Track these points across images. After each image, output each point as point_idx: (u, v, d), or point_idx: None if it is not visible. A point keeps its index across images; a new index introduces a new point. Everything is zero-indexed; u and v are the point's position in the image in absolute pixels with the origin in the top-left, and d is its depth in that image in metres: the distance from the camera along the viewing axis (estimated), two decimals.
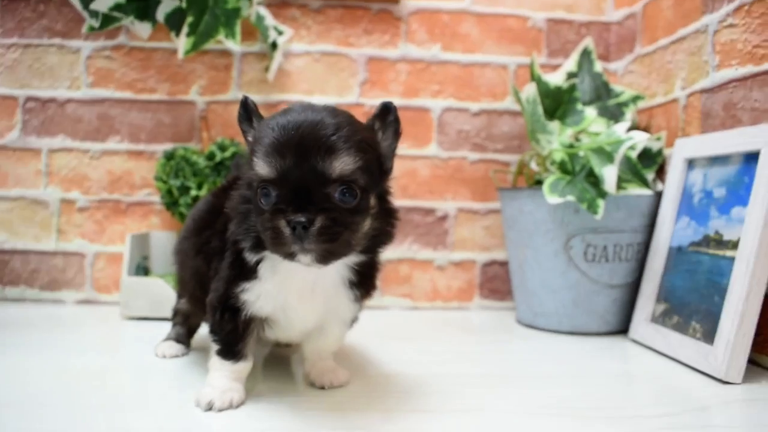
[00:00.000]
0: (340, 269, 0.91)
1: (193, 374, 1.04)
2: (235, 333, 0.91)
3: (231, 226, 0.90)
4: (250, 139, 0.88)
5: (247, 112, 0.89)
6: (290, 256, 0.80)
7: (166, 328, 1.24)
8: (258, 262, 0.88)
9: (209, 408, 0.86)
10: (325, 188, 0.79)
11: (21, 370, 1.05)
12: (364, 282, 0.94)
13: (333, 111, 0.84)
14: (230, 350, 0.91)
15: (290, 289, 0.89)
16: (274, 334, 0.96)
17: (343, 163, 0.79)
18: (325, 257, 0.80)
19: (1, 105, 1.63)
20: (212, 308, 0.93)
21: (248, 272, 0.88)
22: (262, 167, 0.80)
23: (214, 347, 0.92)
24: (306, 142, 0.78)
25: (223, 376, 0.91)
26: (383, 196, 0.89)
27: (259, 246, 0.86)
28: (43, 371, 1.05)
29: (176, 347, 1.16)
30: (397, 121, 0.90)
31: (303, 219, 0.77)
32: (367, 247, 0.88)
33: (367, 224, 0.84)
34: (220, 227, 0.95)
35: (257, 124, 0.88)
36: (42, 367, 1.07)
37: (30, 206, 1.64)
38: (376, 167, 0.85)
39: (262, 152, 0.80)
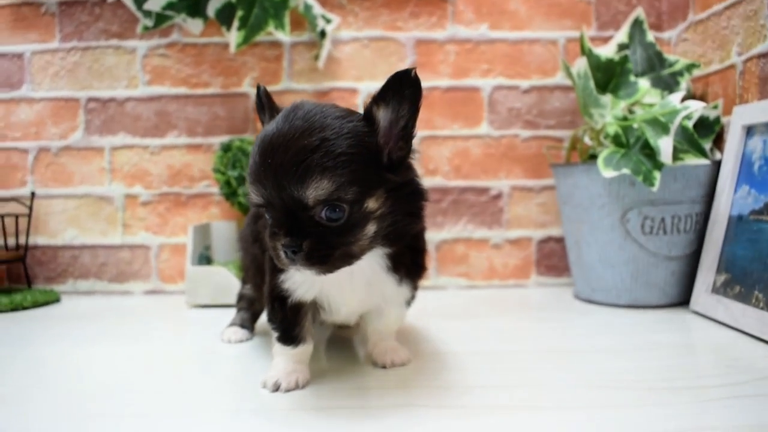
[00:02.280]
0: (375, 258, 0.90)
1: (259, 358, 1.08)
2: (287, 320, 0.93)
3: None
4: None
5: (262, 101, 0.90)
6: (285, 268, 0.84)
7: (230, 314, 1.28)
8: None
9: (276, 389, 0.89)
10: (308, 212, 0.79)
11: (93, 358, 1.10)
12: (404, 267, 0.94)
13: (309, 126, 0.79)
14: (288, 336, 0.93)
15: (324, 279, 0.88)
16: (325, 317, 0.98)
17: (316, 189, 0.77)
18: (324, 271, 0.81)
19: (64, 107, 1.70)
20: (266, 298, 0.96)
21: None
22: (251, 194, 0.83)
23: (274, 334, 0.95)
24: (278, 172, 0.77)
25: (287, 360, 0.94)
26: (395, 186, 0.84)
27: None
28: (115, 359, 1.10)
29: (241, 332, 1.20)
30: (415, 93, 0.81)
31: (291, 244, 0.79)
32: (392, 240, 0.87)
33: (369, 230, 0.82)
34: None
35: (268, 117, 0.89)
36: (113, 355, 1.12)
37: (96, 203, 1.71)
38: (371, 167, 0.81)
39: (248, 178, 0.82)
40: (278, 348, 0.94)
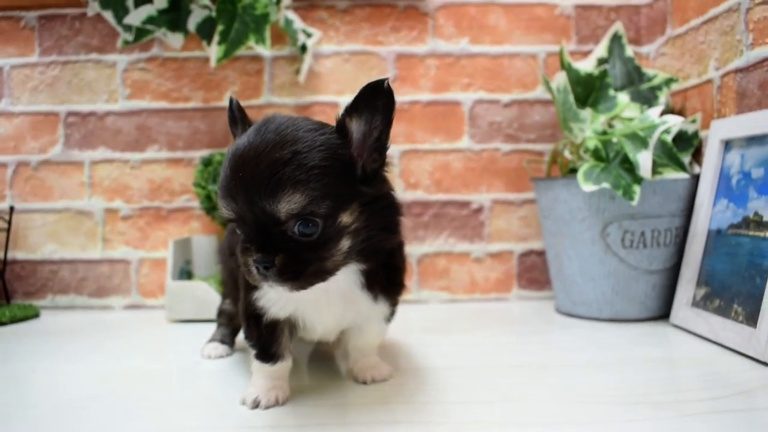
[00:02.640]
0: (349, 274, 0.88)
1: (239, 374, 1.07)
2: (263, 337, 0.92)
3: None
4: None
5: (234, 114, 0.89)
6: (258, 284, 0.83)
7: (211, 329, 1.27)
8: None
9: (255, 406, 0.89)
10: (281, 227, 0.78)
11: (73, 374, 1.09)
12: (379, 284, 0.92)
13: (281, 139, 0.78)
14: (265, 353, 0.92)
15: (299, 298, 0.87)
16: (302, 334, 0.97)
17: (288, 203, 0.76)
18: (297, 288, 0.80)
19: (43, 121, 1.69)
20: (241, 315, 0.95)
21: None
22: (221, 208, 0.81)
23: (252, 351, 0.94)
24: (250, 186, 0.77)
25: (266, 377, 0.93)
26: (370, 200, 0.83)
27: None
28: (94, 374, 1.09)
29: (221, 348, 1.19)
30: (388, 104, 0.80)
31: (263, 260, 0.77)
32: (368, 256, 0.86)
33: (343, 246, 0.81)
34: None
35: (240, 131, 0.87)
36: (93, 371, 1.11)
37: (75, 217, 1.70)
38: (345, 180, 0.80)
39: (219, 192, 0.81)
40: (257, 365, 0.93)
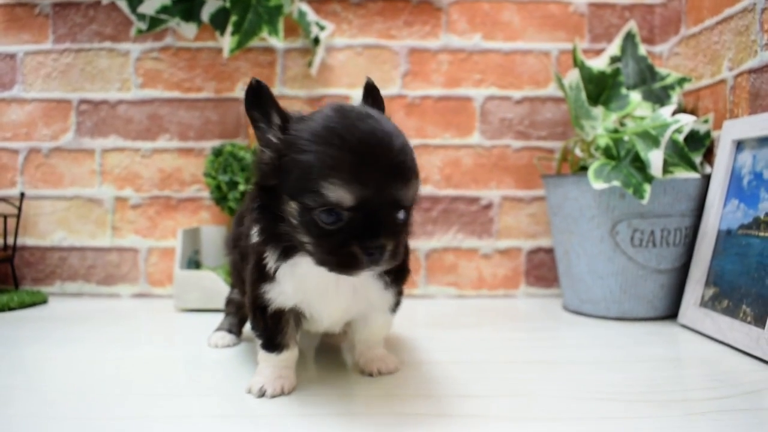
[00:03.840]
0: None
1: (245, 363, 1.07)
2: (269, 328, 0.91)
3: (254, 232, 0.88)
4: (272, 137, 0.81)
5: (261, 98, 0.81)
6: (351, 273, 0.80)
7: (218, 319, 1.28)
8: (277, 269, 0.86)
9: (261, 395, 0.89)
10: (396, 212, 0.79)
11: (80, 360, 1.10)
12: (392, 270, 0.90)
13: (394, 128, 0.80)
14: (271, 343, 0.92)
15: (309, 289, 0.87)
16: (307, 325, 0.97)
17: (414, 190, 0.79)
18: (374, 271, 0.82)
19: (56, 108, 1.70)
20: (248, 307, 0.95)
21: (267, 276, 0.87)
22: (339, 194, 0.75)
23: (258, 341, 0.94)
24: (388, 172, 0.76)
25: (272, 366, 0.93)
26: None
27: (284, 255, 0.85)
28: (101, 361, 1.09)
29: (228, 337, 1.19)
30: (381, 101, 0.89)
31: (380, 245, 0.76)
32: None
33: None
34: (246, 227, 0.95)
35: (295, 125, 0.80)
36: (100, 358, 1.11)
37: (86, 204, 1.70)
38: None
39: (338, 178, 0.75)
40: (263, 355, 0.94)
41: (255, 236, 0.87)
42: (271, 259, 0.86)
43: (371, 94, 0.92)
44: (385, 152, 0.76)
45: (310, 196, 0.76)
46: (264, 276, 0.87)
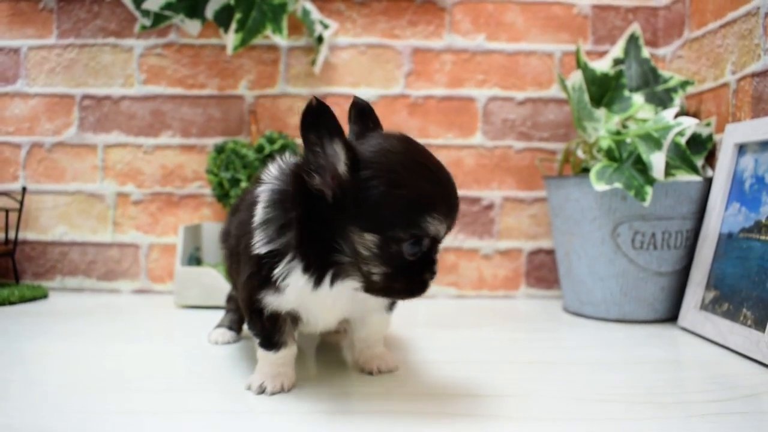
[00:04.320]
0: None
1: (245, 360, 1.07)
2: (266, 329, 0.91)
3: (259, 241, 0.84)
4: (340, 170, 0.77)
5: (323, 121, 0.76)
6: (412, 298, 0.84)
7: (218, 315, 1.28)
8: (284, 280, 0.84)
9: (261, 392, 0.89)
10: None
11: (80, 355, 1.10)
12: None
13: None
14: (269, 342, 0.92)
15: (309, 298, 0.86)
16: (302, 327, 0.96)
17: None
18: None
19: (59, 103, 1.70)
20: (243, 309, 0.95)
21: (270, 285, 0.85)
22: (437, 227, 0.79)
23: (255, 340, 0.94)
24: (455, 207, 0.83)
25: (271, 364, 0.93)
26: None
27: (318, 279, 0.82)
28: (101, 357, 1.09)
29: (228, 334, 1.19)
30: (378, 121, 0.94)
31: (436, 271, 0.83)
32: None
33: None
34: (237, 227, 0.94)
35: (369, 158, 0.78)
36: (99, 352, 1.12)
37: (87, 200, 1.71)
38: None
39: (440, 212, 0.78)
40: (261, 353, 0.93)
41: (260, 246, 0.83)
42: (282, 273, 0.83)
43: (368, 115, 0.91)
44: (453, 186, 0.83)
45: (403, 229, 0.77)
46: (266, 284, 0.85)
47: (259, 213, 0.84)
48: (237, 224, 0.94)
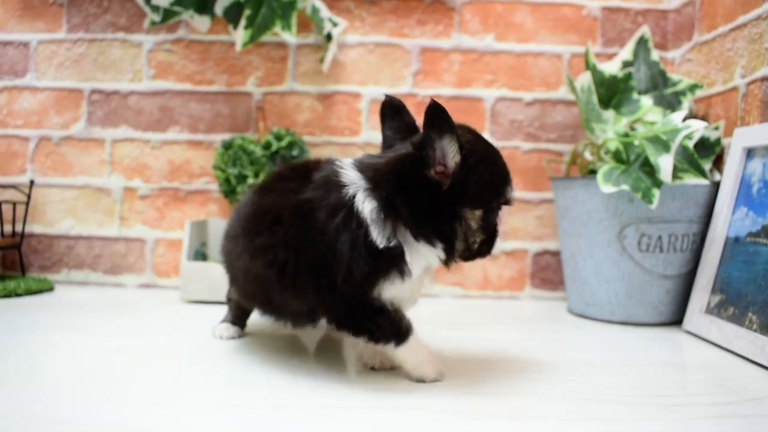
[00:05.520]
0: None
1: (249, 354, 1.08)
2: (394, 322, 0.92)
3: (382, 234, 0.87)
4: (451, 160, 0.87)
5: (439, 120, 0.84)
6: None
7: (224, 311, 1.28)
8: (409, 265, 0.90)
9: (441, 377, 0.96)
10: None
11: (84, 347, 1.10)
12: None
13: None
14: (402, 333, 0.93)
15: (409, 285, 0.92)
16: None
17: None
18: None
19: (67, 97, 1.70)
20: (350, 317, 0.92)
21: (395, 274, 0.89)
22: (510, 194, 0.94)
23: (392, 345, 0.92)
24: None
25: (419, 349, 0.95)
26: None
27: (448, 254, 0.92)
28: (105, 349, 1.10)
29: (233, 329, 1.20)
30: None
31: None
32: None
33: None
34: (281, 236, 0.93)
35: (468, 148, 0.88)
36: (104, 346, 1.12)
37: (94, 194, 1.71)
38: None
39: (508, 184, 0.94)
40: (407, 348, 0.93)
41: (382, 240, 0.87)
42: (409, 260, 0.89)
43: (403, 111, 0.98)
44: None
45: (496, 200, 0.93)
46: (389, 275, 0.89)
47: (367, 211, 0.87)
48: (314, 232, 0.90)
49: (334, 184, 0.91)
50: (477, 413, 0.83)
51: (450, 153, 0.86)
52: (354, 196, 0.88)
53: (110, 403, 0.83)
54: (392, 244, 0.88)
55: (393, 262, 0.88)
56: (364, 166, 0.92)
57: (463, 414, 0.82)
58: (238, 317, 1.23)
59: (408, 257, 0.89)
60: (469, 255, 0.95)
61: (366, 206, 0.87)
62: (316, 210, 0.90)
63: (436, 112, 0.84)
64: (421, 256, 0.90)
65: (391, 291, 0.90)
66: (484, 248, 0.96)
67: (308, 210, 0.90)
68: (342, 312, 0.92)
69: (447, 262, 0.93)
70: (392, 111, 0.98)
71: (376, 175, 0.90)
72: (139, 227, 1.71)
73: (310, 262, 0.90)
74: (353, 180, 0.90)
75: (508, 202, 0.95)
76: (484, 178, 0.90)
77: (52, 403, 0.82)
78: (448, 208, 0.89)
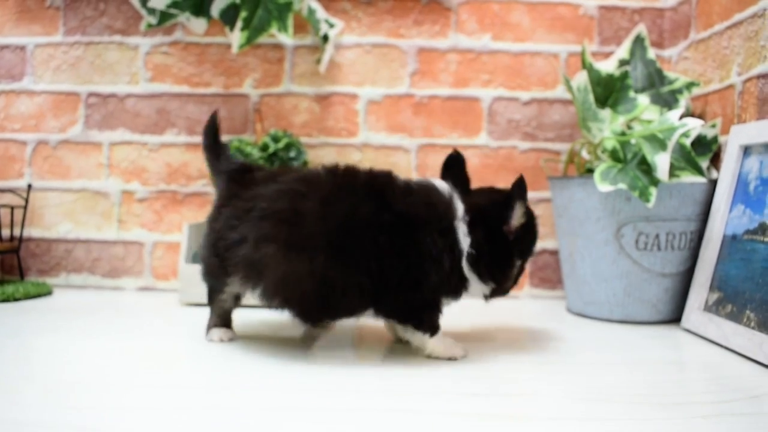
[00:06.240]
0: None
1: (245, 356, 1.08)
2: (435, 319, 1.11)
3: (465, 259, 1.08)
4: (516, 221, 1.10)
5: (521, 192, 1.09)
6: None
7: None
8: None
9: (465, 353, 1.12)
10: None
11: (82, 351, 1.10)
12: None
13: None
14: (435, 328, 1.10)
15: None
16: None
17: None
18: None
19: (64, 101, 1.70)
20: (424, 311, 1.10)
21: (461, 295, 1.14)
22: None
23: (428, 335, 1.09)
24: None
25: (445, 337, 1.12)
26: None
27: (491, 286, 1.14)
28: (103, 352, 1.10)
29: (228, 332, 1.19)
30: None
31: None
32: None
33: None
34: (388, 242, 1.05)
35: (529, 215, 1.14)
36: (102, 349, 1.12)
37: (92, 197, 1.71)
38: None
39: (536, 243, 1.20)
40: (435, 340, 1.10)
41: (468, 271, 1.09)
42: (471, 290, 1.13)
43: (463, 164, 1.20)
44: None
45: (531, 254, 1.18)
46: (456, 296, 1.14)
47: (465, 245, 1.08)
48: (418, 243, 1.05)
49: (443, 204, 1.09)
50: (473, 414, 0.83)
51: (518, 215, 1.09)
52: (458, 221, 1.08)
53: (108, 408, 0.82)
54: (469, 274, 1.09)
55: (464, 287, 1.11)
56: (467, 201, 1.11)
57: (460, 415, 0.82)
58: (226, 319, 1.22)
59: (470, 287, 1.12)
60: (499, 294, 1.17)
61: (465, 240, 1.07)
62: (426, 226, 1.06)
63: (523, 185, 1.08)
64: (477, 289, 1.13)
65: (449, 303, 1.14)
66: (510, 289, 1.19)
67: (422, 224, 1.06)
68: (405, 306, 1.08)
69: (488, 298, 1.16)
70: (454, 163, 1.19)
71: (476, 216, 1.09)
72: (137, 230, 1.71)
73: (406, 264, 1.04)
74: (461, 213, 1.09)
75: (533, 256, 1.21)
76: (530, 238, 1.16)
77: (52, 408, 0.82)
78: (508, 257, 1.12)
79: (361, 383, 0.95)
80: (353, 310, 1.08)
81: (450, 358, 1.10)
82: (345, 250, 1.01)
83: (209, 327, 1.21)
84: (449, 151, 1.69)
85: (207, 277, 1.19)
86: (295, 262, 1.01)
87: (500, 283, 1.13)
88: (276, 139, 1.55)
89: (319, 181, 1.08)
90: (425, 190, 1.10)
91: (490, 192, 1.17)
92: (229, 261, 1.07)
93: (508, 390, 0.93)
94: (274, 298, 1.05)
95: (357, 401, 0.87)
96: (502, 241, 1.10)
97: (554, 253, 1.72)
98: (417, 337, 1.10)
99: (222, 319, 1.21)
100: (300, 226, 1.02)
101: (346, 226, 1.02)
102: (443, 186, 1.12)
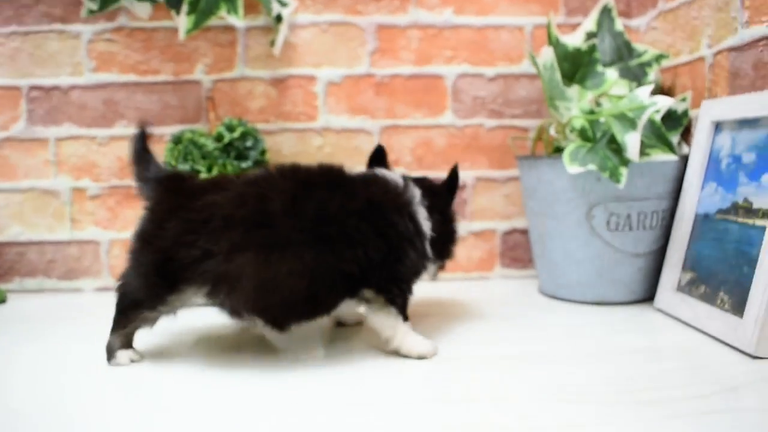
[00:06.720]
0: None
1: (207, 359, 1.04)
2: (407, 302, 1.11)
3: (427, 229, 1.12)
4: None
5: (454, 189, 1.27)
6: None
7: (188, 312, 1.18)
8: None
9: (435, 351, 1.08)
10: None
11: (45, 359, 1.08)
12: None
13: None
14: (406, 312, 1.10)
15: None
16: None
17: None
18: None
19: (4, 96, 1.60)
20: (404, 296, 1.09)
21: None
22: None
23: (401, 318, 1.08)
24: None
25: (412, 332, 1.09)
26: None
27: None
28: (67, 359, 1.07)
29: (135, 353, 1.08)
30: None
31: None
32: None
33: None
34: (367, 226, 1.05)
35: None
36: (66, 356, 1.09)
37: (42, 197, 1.63)
38: None
39: None
40: (406, 326, 1.08)
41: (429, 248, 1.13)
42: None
43: (385, 156, 1.24)
44: None
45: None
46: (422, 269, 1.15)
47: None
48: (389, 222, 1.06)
49: (403, 190, 1.11)
50: (443, 426, 0.79)
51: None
52: (415, 205, 1.11)
53: (73, 418, 0.80)
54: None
55: (425, 268, 1.15)
56: (420, 186, 1.15)
57: (429, 428, 0.79)
58: (131, 340, 1.09)
59: (428, 268, 1.17)
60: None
61: (426, 223, 1.11)
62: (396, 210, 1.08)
63: (457, 176, 1.25)
64: (431, 270, 1.20)
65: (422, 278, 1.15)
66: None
67: (393, 207, 1.07)
68: (390, 277, 1.06)
69: (434, 277, 1.25)
70: (378, 156, 1.23)
71: (432, 200, 1.15)
72: (92, 229, 1.64)
73: (388, 245, 1.05)
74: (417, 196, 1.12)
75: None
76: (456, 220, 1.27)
77: (11, 419, 0.79)
78: (454, 238, 1.25)
79: (327, 384, 0.91)
80: (336, 303, 1.05)
81: (420, 357, 1.06)
82: (329, 240, 0.99)
83: (114, 350, 1.06)
84: (414, 133, 1.65)
85: (138, 295, 1.04)
86: (278, 264, 0.96)
87: (444, 262, 1.24)
88: (231, 129, 1.47)
89: (276, 181, 1.03)
90: (380, 179, 1.12)
91: (424, 179, 1.22)
92: (186, 278, 0.98)
93: (478, 394, 0.90)
94: (249, 305, 0.98)
95: (324, 397, 0.83)
96: (449, 223, 1.22)
97: (524, 232, 1.68)
98: (389, 322, 1.07)
99: (128, 340, 1.08)
100: (273, 227, 0.97)
101: (324, 217, 1.00)
102: (393, 175, 1.14)
